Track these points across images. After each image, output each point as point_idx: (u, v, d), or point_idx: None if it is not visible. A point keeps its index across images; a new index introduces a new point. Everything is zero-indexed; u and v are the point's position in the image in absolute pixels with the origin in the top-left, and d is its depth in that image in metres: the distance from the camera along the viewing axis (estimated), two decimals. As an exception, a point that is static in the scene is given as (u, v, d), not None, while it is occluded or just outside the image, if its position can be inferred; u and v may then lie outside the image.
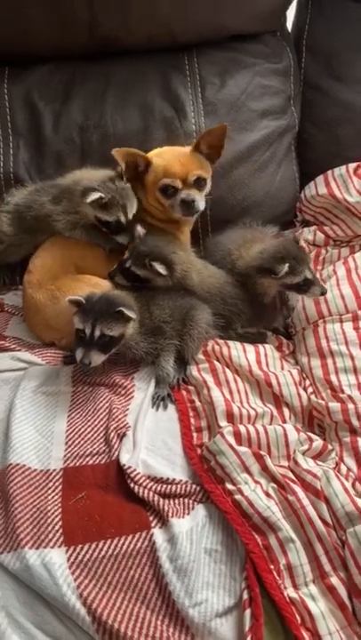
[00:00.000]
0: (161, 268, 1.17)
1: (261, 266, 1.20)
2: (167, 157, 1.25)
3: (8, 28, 1.36)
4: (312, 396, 1.12)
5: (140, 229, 1.22)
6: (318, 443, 1.01)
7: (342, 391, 1.08)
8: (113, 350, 1.11)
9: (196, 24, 1.40)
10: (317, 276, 1.30)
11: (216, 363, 1.16)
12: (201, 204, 1.23)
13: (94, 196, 1.16)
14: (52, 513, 0.89)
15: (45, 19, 1.34)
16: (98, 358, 1.08)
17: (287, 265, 1.15)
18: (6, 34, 1.37)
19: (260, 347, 1.21)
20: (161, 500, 0.91)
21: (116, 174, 1.23)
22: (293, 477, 0.94)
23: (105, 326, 1.07)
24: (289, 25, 1.58)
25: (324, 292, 1.21)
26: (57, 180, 1.30)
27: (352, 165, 1.43)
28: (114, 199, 1.19)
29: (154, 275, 1.18)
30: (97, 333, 1.06)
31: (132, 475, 0.94)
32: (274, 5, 1.43)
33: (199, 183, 1.24)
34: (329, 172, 1.45)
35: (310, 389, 1.15)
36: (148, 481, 0.94)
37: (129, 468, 0.95)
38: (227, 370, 1.14)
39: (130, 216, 1.22)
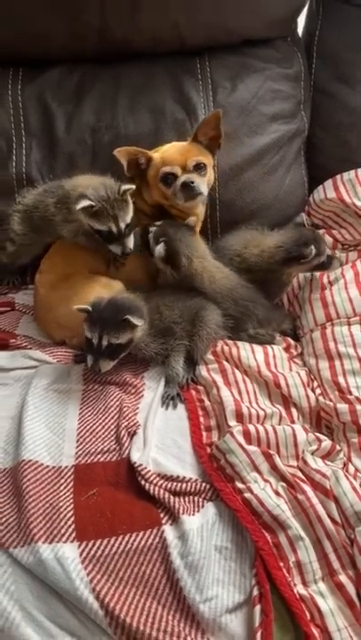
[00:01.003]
0: (159, 250, 1.18)
1: (288, 256, 1.26)
2: (166, 150, 1.28)
3: (22, 32, 1.37)
4: (320, 398, 1.13)
5: (192, 219, 1.23)
6: (327, 443, 1.02)
7: (350, 393, 1.10)
8: (122, 355, 1.13)
9: (206, 29, 1.41)
10: (325, 278, 1.34)
11: (225, 363, 1.17)
12: (202, 188, 1.23)
13: (83, 203, 1.13)
14: (65, 509, 0.90)
15: (58, 23, 1.35)
16: (107, 365, 1.11)
17: (313, 247, 1.23)
18: (20, 37, 1.38)
19: (269, 348, 1.22)
20: (171, 497, 0.92)
21: (114, 181, 1.20)
22: (303, 477, 0.95)
23: (112, 335, 1.08)
24: (300, 31, 1.60)
25: (342, 263, 1.32)
26: (63, 181, 1.29)
27: (361, 170, 1.44)
28: (104, 209, 1.15)
29: (156, 257, 1.20)
30: (104, 343, 1.08)
31: (142, 472, 0.95)
32: (285, 12, 1.45)
33: (199, 168, 1.25)
34: (338, 177, 1.46)
35: (318, 391, 1.16)
36: (158, 479, 0.95)
37: (140, 465, 0.96)
38: (236, 370, 1.16)
39: (122, 226, 1.18)
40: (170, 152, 1.27)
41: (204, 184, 1.25)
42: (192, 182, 1.21)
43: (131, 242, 1.21)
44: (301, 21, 1.58)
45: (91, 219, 1.17)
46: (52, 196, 1.26)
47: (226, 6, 1.36)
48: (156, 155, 1.27)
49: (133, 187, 1.21)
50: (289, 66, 1.50)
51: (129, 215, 1.20)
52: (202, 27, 1.40)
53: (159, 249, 1.19)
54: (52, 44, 1.41)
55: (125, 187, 1.18)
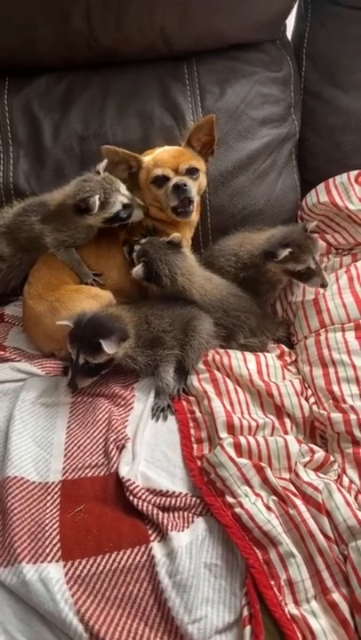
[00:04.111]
0: (137, 271, 1.18)
1: (265, 250, 1.23)
2: (158, 153, 1.27)
3: (9, 40, 1.37)
4: (314, 407, 1.11)
5: (176, 236, 1.22)
6: (320, 454, 0.99)
7: (344, 401, 1.07)
8: (102, 372, 1.11)
9: (193, 34, 1.40)
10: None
11: (217, 372, 1.15)
12: (194, 192, 1.23)
13: (95, 200, 1.15)
14: (50, 527, 0.88)
15: (45, 31, 1.34)
16: (84, 382, 1.10)
17: (288, 250, 1.19)
18: (7, 45, 1.38)
19: (262, 356, 1.20)
20: (160, 513, 0.90)
21: (88, 173, 1.23)
22: (294, 490, 0.92)
23: (88, 355, 1.06)
24: (289, 33, 1.58)
25: (324, 285, 1.24)
26: (43, 197, 1.28)
27: (353, 173, 1.42)
28: (106, 190, 1.18)
29: (136, 278, 1.20)
30: (81, 361, 1.07)
31: (130, 487, 0.93)
32: (272, 15, 1.43)
33: (192, 172, 1.25)
34: (330, 180, 1.44)
35: (312, 399, 1.13)
36: (147, 494, 0.93)
37: (128, 480, 0.94)
38: (227, 380, 1.13)
39: (127, 193, 1.21)
40: (162, 155, 1.26)
41: (195, 188, 1.24)
42: (185, 185, 1.20)
43: (140, 202, 1.25)
44: (290, 24, 1.56)
45: (103, 211, 1.19)
46: (35, 214, 1.25)
47: (213, 11, 1.35)
48: (148, 158, 1.26)
49: (105, 161, 1.23)
50: (278, 69, 1.48)
51: (121, 183, 1.22)
52: (189, 32, 1.39)
53: (137, 270, 1.18)
54: (39, 51, 1.40)
55: (100, 165, 1.21)
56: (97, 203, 1.16)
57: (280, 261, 1.21)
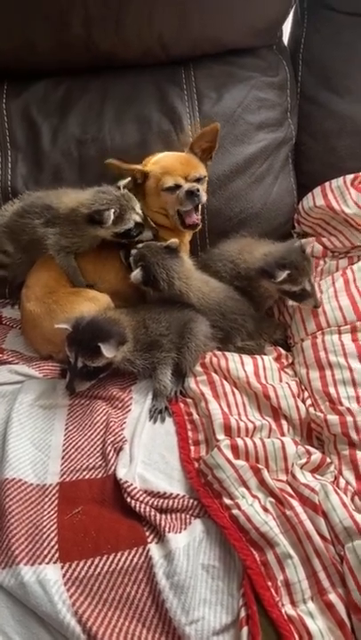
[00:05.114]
0: (135, 276, 1.18)
1: (263, 268, 1.23)
2: (165, 161, 1.29)
3: (8, 45, 1.37)
4: (311, 409, 1.11)
5: (174, 241, 1.23)
6: (317, 456, 1.00)
7: (341, 403, 1.08)
8: (100, 376, 1.11)
9: (191, 39, 1.41)
10: (316, 287, 1.31)
11: (214, 375, 1.15)
12: (203, 197, 1.26)
13: (110, 214, 1.17)
14: (48, 528, 0.88)
15: (44, 35, 1.35)
16: (82, 386, 1.10)
17: (287, 272, 1.19)
18: (6, 50, 1.39)
19: (259, 358, 1.20)
20: (158, 514, 0.90)
21: (107, 186, 1.24)
22: (291, 492, 0.93)
23: (87, 359, 1.07)
24: (286, 39, 1.59)
25: (317, 306, 1.25)
26: (47, 199, 1.27)
27: (349, 177, 1.43)
28: (122, 206, 1.20)
29: (134, 282, 1.20)
30: (79, 364, 1.07)
31: (128, 489, 0.93)
32: (268, 21, 1.44)
33: (199, 179, 1.28)
34: (326, 184, 1.45)
35: (309, 401, 1.14)
36: (144, 495, 0.94)
37: (125, 482, 0.94)
38: (225, 382, 1.14)
39: (141, 212, 1.24)
40: (170, 162, 1.28)
41: (205, 193, 1.28)
42: (197, 190, 1.23)
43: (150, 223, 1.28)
44: (287, 29, 1.58)
45: (115, 226, 1.20)
46: (39, 217, 1.25)
47: (210, 17, 1.36)
48: (154, 167, 1.27)
49: (129, 179, 1.25)
50: (274, 74, 1.49)
51: (137, 201, 1.24)
52: (186, 37, 1.40)
53: (135, 275, 1.19)
54: (37, 56, 1.40)
55: (122, 182, 1.23)
56: (111, 217, 1.17)
57: (277, 282, 1.21)
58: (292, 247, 1.28)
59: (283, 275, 1.19)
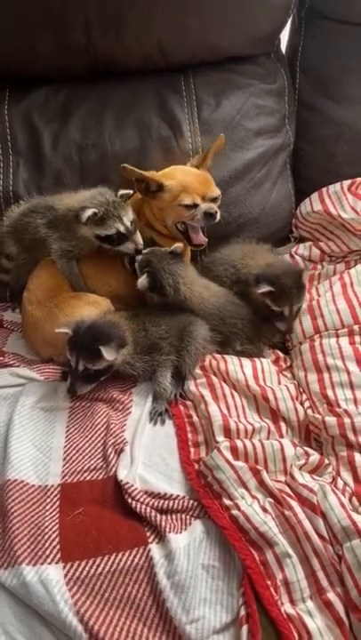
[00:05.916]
0: (142, 282, 1.19)
1: (256, 275, 1.26)
2: (183, 177, 1.28)
3: (9, 51, 1.39)
4: (309, 411, 1.12)
5: (178, 246, 1.24)
6: (315, 457, 1.01)
7: (338, 405, 1.09)
8: (101, 379, 1.13)
9: (190, 47, 1.43)
10: (313, 290, 1.33)
11: (213, 377, 1.17)
12: (218, 216, 1.28)
13: (88, 212, 1.15)
14: (50, 529, 0.89)
15: (45, 42, 1.37)
16: (84, 388, 1.11)
17: (269, 289, 1.22)
18: (7, 56, 1.40)
19: (258, 361, 1.22)
20: (158, 515, 0.91)
21: (107, 189, 1.23)
22: (290, 492, 0.94)
23: (88, 362, 1.08)
24: (283, 46, 1.62)
25: (289, 332, 1.29)
26: (50, 201, 1.29)
27: (346, 182, 1.46)
28: (108, 211, 1.18)
29: (140, 288, 1.21)
30: (80, 367, 1.08)
31: (129, 490, 0.94)
32: (267, 29, 1.47)
33: (215, 200, 1.30)
34: (324, 190, 1.47)
35: (307, 404, 1.15)
36: (145, 496, 0.95)
37: (126, 483, 0.95)
38: (224, 384, 1.15)
39: (127, 224, 1.21)
40: (189, 180, 1.27)
41: (219, 211, 1.29)
42: (216, 212, 1.26)
43: (139, 237, 1.24)
44: (285, 37, 1.60)
45: (97, 228, 1.19)
46: (42, 217, 1.27)
47: (209, 24, 1.38)
48: (170, 181, 1.26)
49: (130, 192, 1.24)
50: (273, 81, 1.51)
51: (130, 213, 1.22)
52: (185, 45, 1.42)
53: (142, 281, 1.20)
54: (39, 62, 1.42)
55: (123, 191, 1.22)
56: (86, 215, 1.16)
57: (259, 293, 1.24)
58: (292, 270, 1.31)
59: (264, 289, 1.22)
